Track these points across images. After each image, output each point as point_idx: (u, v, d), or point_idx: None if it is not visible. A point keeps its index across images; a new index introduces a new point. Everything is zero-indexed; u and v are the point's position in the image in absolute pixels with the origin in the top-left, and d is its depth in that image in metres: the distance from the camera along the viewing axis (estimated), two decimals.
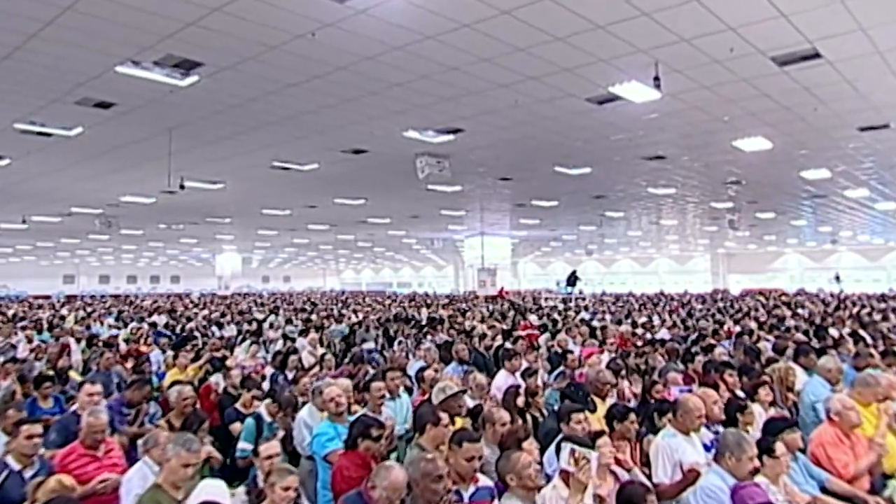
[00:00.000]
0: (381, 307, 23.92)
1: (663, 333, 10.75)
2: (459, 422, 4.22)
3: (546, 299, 24.58)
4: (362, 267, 72.47)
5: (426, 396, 5.07)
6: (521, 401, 4.82)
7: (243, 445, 4.54)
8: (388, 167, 12.98)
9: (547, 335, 10.26)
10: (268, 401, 4.87)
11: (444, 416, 3.71)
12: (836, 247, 40.69)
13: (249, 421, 4.71)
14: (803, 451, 3.95)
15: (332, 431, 4.08)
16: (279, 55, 6.86)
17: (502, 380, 6.02)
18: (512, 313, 17.15)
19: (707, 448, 3.85)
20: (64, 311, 22.42)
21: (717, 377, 5.01)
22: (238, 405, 5.26)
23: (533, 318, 13.22)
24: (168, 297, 42.44)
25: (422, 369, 5.97)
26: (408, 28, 6.18)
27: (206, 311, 20.13)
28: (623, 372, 5.64)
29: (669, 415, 3.90)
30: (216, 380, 6.26)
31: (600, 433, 3.49)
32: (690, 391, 4.51)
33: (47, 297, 46.05)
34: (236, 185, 15.21)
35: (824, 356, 5.31)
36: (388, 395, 4.80)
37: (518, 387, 5.08)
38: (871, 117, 9.57)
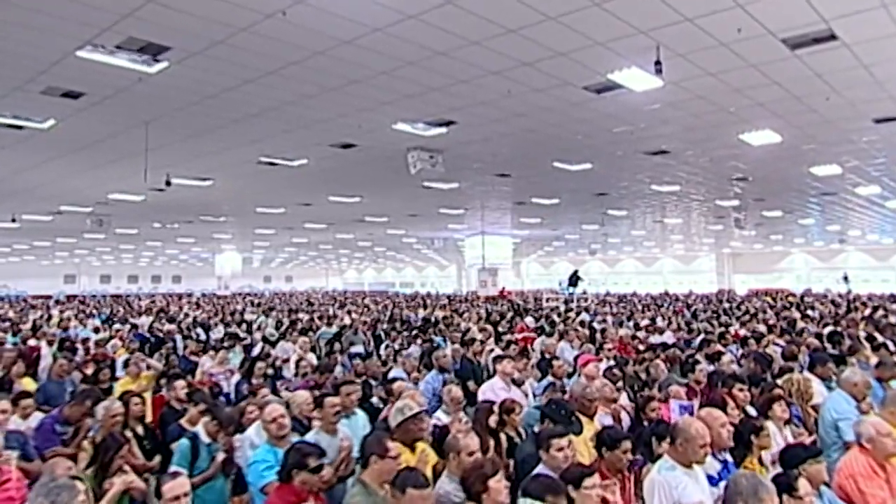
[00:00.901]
0: (378, 308, 23.38)
1: (666, 337, 10.18)
2: (420, 448, 3.67)
3: (547, 300, 24.02)
4: (365, 267, 72.05)
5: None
6: (493, 420, 4.24)
7: (175, 471, 3.89)
8: (379, 163, 12.49)
9: (543, 338, 9.72)
10: (206, 418, 4.21)
11: (393, 447, 3.16)
12: (844, 246, 40.02)
13: (183, 442, 4.05)
14: (828, 483, 3.39)
15: (272, 458, 3.51)
16: (250, 38, 6.36)
17: (494, 389, 5.44)
18: (510, 314, 16.62)
19: (713, 482, 3.29)
20: (55, 312, 22.01)
21: (724, 392, 4.44)
22: (184, 421, 4.63)
23: (529, 319, 12.61)
24: (168, 297, 42.19)
25: (390, 380, 5.39)
26: (386, 6, 5.66)
27: (198, 312, 19.66)
28: (620, 383, 5.05)
29: (668, 440, 3.32)
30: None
31: (588, 472, 2.94)
32: (692, 410, 3.95)
33: (48, 297, 46.11)
34: (225, 182, 14.76)
35: (848, 368, 4.72)
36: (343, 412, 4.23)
37: (495, 402, 4.48)
38: (888, 107, 9.02)
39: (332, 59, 6.98)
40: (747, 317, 12.36)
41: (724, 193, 17.68)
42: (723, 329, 10.58)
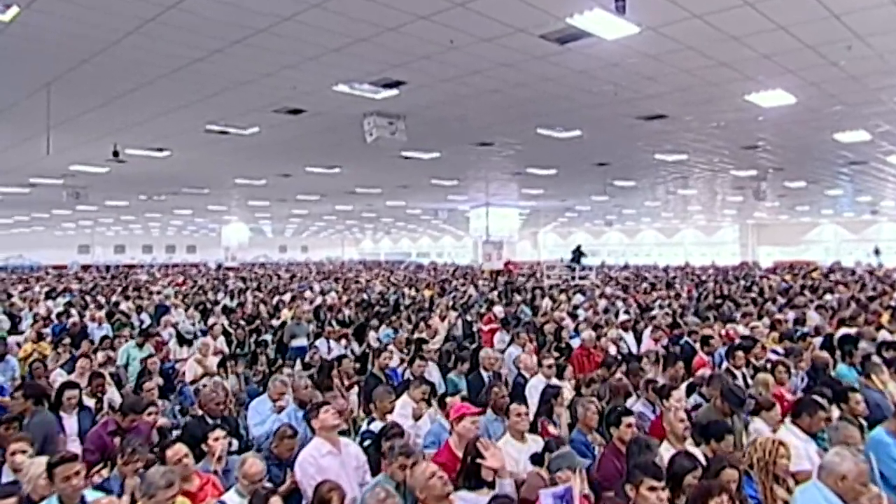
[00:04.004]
0: (368, 286, 22.10)
1: (645, 337, 8.55)
2: None
3: (548, 276, 22.48)
4: (380, 237, 70.88)
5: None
6: None
7: None
8: (339, 131, 11.15)
9: (502, 336, 8.28)
10: None
11: None
12: (877, 217, 37.67)
13: None
14: None
15: None
16: None
17: (317, 457, 3.66)
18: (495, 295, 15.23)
19: None
20: (37, 289, 21.25)
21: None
22: None
23: (497, 309, 11.11)
24: (170, 268, 41.80)
25: (218, 424, 3.93)
26: None
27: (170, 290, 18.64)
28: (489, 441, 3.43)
29: None
30: None
31: None
32: (570, 499, 2.54)
33: (63, 267, 46.79)
34: (184, 152, 13.58)
35: (833, 449, 3.02)
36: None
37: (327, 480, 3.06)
38: None
39: (216, 2, 5.63)
40: (752, 309, 10.69)
41: (740, 163, 16.00)
42: (720, 324, 9.09)
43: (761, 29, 6.34)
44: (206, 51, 6.98)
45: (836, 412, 4.48)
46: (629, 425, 3.87)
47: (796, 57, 7.27)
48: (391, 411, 4.64)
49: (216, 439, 3.88)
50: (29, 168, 16.00)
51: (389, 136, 10.07)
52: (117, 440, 3.87)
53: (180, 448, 3.38)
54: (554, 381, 5.59)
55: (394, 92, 8.69)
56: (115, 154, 12.17)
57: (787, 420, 4.05)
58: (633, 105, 9.62)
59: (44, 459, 3.21)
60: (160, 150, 13.25)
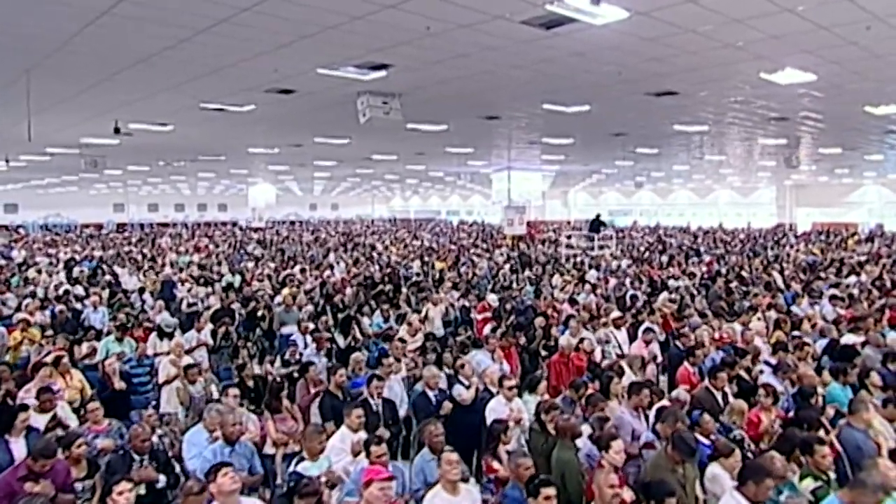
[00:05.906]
0: (387, 254, 21.84)
1: (637, 342, 7.90)
2: None
3: (567, 246, 21.93)
4: (409, 195, 70.41)
5: None
6: None
7: None
8: (333, 108, 10.78)
9: (490, 329, 7.87)
10: None
11: None
12: None
13: None
14: None
15: None
16: None
17: None
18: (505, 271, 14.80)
19: None
20: (62, 254, 21.61)
21: None
22: None
23: (491, 297, 10.54)
24: (199, 227, 42.45)
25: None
26: None
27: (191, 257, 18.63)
28: None
29: None
30: None
31: None
32: None
33: (99, 226, 48.14)
34: (185, 127, 13.42)
35: None
36: None
37: None
38: None
39: None
40: (762, 301, 9.99)
41: (767, 132, 15.12)
42: (719, 321, 8.58)
43: (765, 12, 5.77)
44: (172, 39, 6.68)
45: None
46: (547, 498, 3.55)
47: (811, 37, 6.64)
48: (321, 452, 4.38)
49: (120, 493, 3.56)
50: (42, 139, 16.09)
51: (383, 116, 9.72)
52: (29, 485, 3.75)
53: None
54: (516, 401, 5.28)
55: (382, 74, 8.30)
56: (117, 130, 12.16)
57: (732, 487, 3.69)
58: (640, 84, 9.05)
59: None
60: (163, 124, 13.12)
